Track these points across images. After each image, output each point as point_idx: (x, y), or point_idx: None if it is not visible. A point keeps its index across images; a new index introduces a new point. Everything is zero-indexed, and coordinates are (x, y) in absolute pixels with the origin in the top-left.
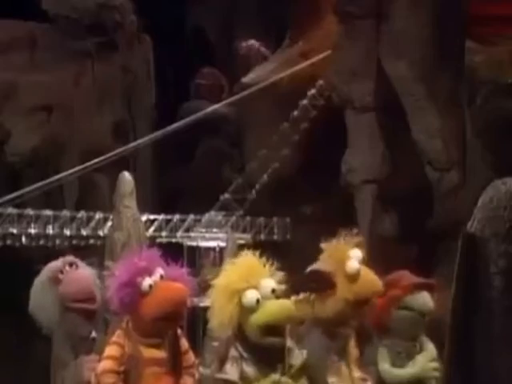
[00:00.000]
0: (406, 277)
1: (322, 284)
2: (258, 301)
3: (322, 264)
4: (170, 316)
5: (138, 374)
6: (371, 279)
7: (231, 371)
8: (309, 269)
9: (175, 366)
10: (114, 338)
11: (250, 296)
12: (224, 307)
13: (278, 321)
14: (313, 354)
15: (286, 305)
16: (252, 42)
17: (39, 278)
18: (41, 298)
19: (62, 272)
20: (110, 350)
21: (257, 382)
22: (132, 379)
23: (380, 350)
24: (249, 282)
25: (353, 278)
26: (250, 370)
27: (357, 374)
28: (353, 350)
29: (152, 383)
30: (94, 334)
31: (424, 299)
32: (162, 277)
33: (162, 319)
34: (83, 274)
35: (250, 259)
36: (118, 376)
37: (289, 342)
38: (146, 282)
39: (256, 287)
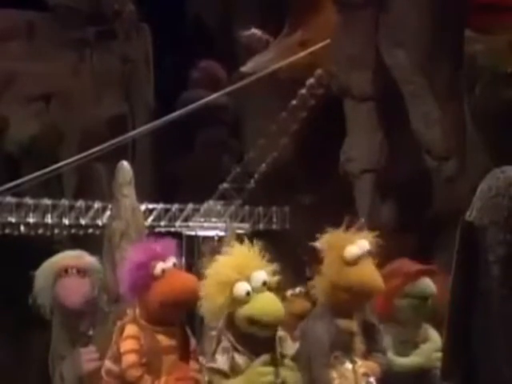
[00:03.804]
0: (407, 265)
1: (312, 257)
2: (248, 293)
3: (319, 242)
4: (178, 303)
5: (159, 364)
6: (367, 273)
7: (221, 361)
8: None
9: (185, 352)
10: (127, 333)
11: (241, 288)
12: (215, 298)
13: (266, 316)
14: (316, 349)
15: (276, 303)
16: (253, 30)
17: (44, 270)
18: (43, 289)
19: (66, 271)
20: (128, 344)
21: (249, 369)
22: (153, 369)
23: (385, 339)
24: (241, 274)
25: (348, 263)
26: (240, 360)
27: (361, 369)
28: (359, 345)
29: (172, 371)
30: (91, 332)
31: (425, 285)
32: (174, 265)
33: (170, 305)
34: (79, 284)
35: (243, 250)
36: (142, 368)
37: (281, 332)
38: (159, 266)
39: (248, 279)
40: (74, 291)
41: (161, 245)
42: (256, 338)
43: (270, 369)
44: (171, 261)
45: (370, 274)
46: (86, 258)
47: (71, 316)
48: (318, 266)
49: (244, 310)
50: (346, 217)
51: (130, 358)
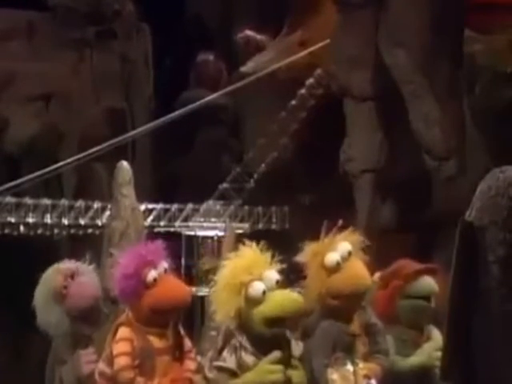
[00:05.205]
0: (408, 265)
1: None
2: (264, 292)
3: (301, 255)
4: (170, 311)
5: (151, 365)
6: (352, 276)
7: (229, 359)
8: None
9: (179, 352)
10: (119, 335)
11: (257, 287)
12: (230, 300)
13: (286, 313)
14: (317, 349)
15: (294, 296)
16: (248, 32)
17: (41, 293)
18: (47, 313)
19: (65, 287)
20: (120, 347)
21: (258, 366)
22: (146, 371)
23: (386, 338)
24: (253, 274)
25: (330, 270)
26: (248, 359)
27: (362, 371)
28: (360, 347)
29: (165, 372)
30: (94, 335)
31: (426, 284)
32: (165, 270)
33: (161, 313)
34: (85, 283)
35: (250, 251)
36: (135, 371)
37: (287, 333)
38: (151, 274)
39: (260, 279)
40: (84, 291)
41: (150, 251)
42: (268, 339)
43: (279, 367)
44: (162, 266)
45: (354, 276)
46: (72, 264)
47: (83, 316)
48: (304, 280)
49: (263, 310)
50: (325, 221)
51: (122, 361)
